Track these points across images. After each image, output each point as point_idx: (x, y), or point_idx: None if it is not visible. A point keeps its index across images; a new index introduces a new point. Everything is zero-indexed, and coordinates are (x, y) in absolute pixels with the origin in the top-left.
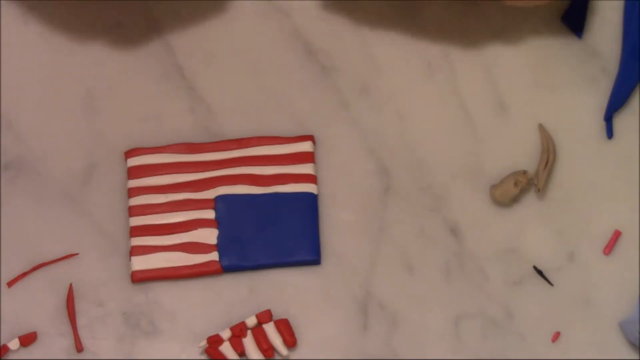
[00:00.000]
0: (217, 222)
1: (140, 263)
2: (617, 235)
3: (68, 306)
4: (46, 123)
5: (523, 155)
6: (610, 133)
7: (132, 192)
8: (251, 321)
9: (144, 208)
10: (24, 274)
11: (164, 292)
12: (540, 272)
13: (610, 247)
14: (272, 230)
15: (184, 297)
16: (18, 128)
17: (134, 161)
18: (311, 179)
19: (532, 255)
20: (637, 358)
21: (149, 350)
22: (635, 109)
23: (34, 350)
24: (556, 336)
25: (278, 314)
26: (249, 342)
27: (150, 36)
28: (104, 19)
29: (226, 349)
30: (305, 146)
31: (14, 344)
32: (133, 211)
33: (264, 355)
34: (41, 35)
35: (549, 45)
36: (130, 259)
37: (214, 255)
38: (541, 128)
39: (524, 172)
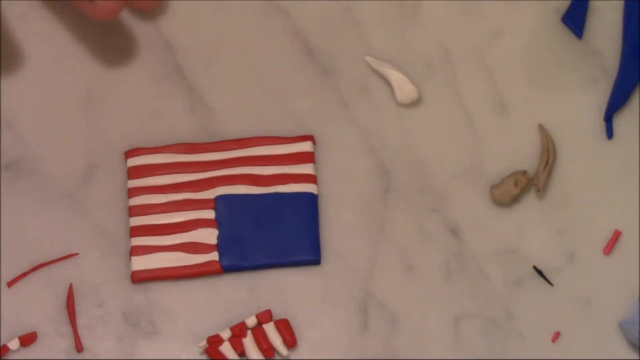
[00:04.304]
0: (217, 222)
1: (140, 263)
2: (617, 235)
3: (68, 306)
4: (46, 123)
5: (523, 155)
6: (610, 133)
7: (132, 192)
8: (251, 321)
9: (144, 208)
10: (24, 274)
11: (164, 292)
12: (540, 272)
13: (610, 247)
14: (272, 230)
15: (184, 297)
16: (18, 128)
17: (134, 161)
18: (311, 179)
19: (532, 255)
20: (637, 358)
21: (149, 350)
22: (635, 109)
23: (34, 350)
24: (556, 336)
25: (278, 314)
26: (249, 342)
27: (150, 36)
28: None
29: (226, 349)
30: (305, 146)
31: (14, 344)
32: (133, 211)
33: (264, 355)
34: (41, 35)
35: (549, 45)
36: (130, 259)
37: (214, 255)
38: (541, 128)
39: (524, 172)
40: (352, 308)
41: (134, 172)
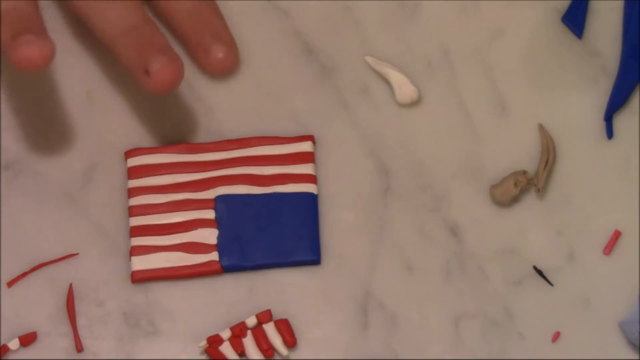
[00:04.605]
0: (217, 222)
1: (140, 263)
2: (617, 235)
3: (68, 306)
4: (46, 123)
5: (523, 155)
6: (610, 133)
7: (132, 192)
8: (251, 321)
9: (144, 208)
10: (24, 274)
11: (164, 292)
12: (540, 272)
13: (610, 247)
14: (272, 230)
15: (184, 297)
16: (18, 128)
17: (134, 161)
18: (311, 179)
19: (532, 255)
20: (637, 358)
21: (149, 350)
22: (635, 109)
23: (34, 350)
24: (556, 336)
25: (278, 314)
26: (249, 342)
27: None
28: None
29: (226, 349)
30: (305, 146)
31: (14, 344)
32: (133, 211)
33: (264, 355)
34: None
35: (549, 45)
36: (130, 259)
37: (214, 255)
38: (541, 128)
39: (524, 172)
40: (352, 308)
41: (134, 172)
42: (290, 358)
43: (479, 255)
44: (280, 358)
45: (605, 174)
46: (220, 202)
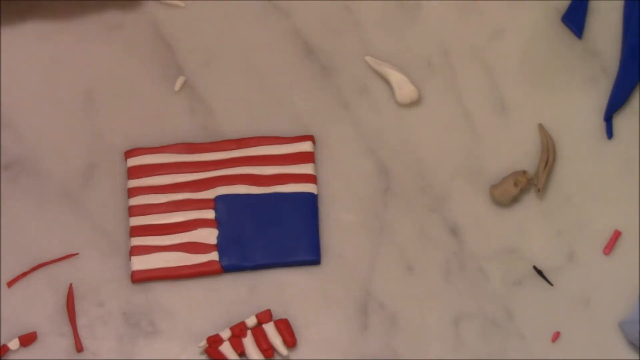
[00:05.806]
0: (217, 222)
1: (140, 263)
2: (617, 235)
3: (68, 306)
4: (46, 123)
5: (523, 155)
6: (610, 133)
7: (132, 192)
8: (251, 321)
9: (144, 208)
10: (24, 274)
11: (164, 292)
12: (540, 272)
13: (610, 247)
14: (272, 230)
15: (184, 297)
16: (18, 128)
17: (134, 161)
18: (311, 179)
19: (532, 255)
20: (637, 358)
21: (149, 350)
22: (635, 109)
23: (34, 350)
24: (556, 336)
25: (278, 314)
26: (249, 342)
27: (150, 36)
28: (104, 19)
29: (226, 349)
30: (305, 146)
31: (14, 344)
32: (133, 211)
33: (264, 355)
34: (41, 35)
35: (549, 45)
36: (130, 259)
37: (214, 255)
38: (541, 128)
39: (524, 172)
40: (352, 308)
41: (134, 172)
42: (290, 358)
43: (479, 255)
44: (280, 358)
45: (605, 174)
46: (220, 202)
